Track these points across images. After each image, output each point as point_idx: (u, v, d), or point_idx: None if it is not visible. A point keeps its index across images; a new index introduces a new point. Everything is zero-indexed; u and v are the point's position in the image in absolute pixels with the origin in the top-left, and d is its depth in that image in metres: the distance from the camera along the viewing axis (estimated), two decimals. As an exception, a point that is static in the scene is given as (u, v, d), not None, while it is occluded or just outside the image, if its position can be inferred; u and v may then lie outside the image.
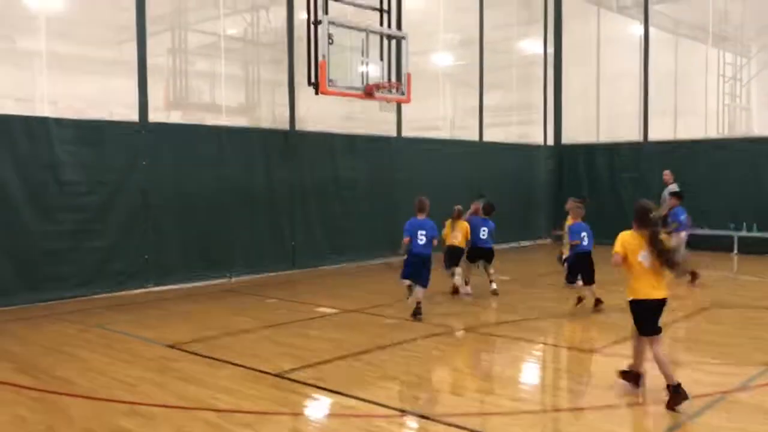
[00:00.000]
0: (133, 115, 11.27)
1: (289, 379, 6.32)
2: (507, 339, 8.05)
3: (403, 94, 12.23)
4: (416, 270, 8.86)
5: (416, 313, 8.79)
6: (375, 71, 11.93)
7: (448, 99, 17.66)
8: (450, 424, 5.09)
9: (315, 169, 13.76)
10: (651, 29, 18.04)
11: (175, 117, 12.56)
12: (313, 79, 11.22)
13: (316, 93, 11.29)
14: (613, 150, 18.40)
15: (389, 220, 13.47)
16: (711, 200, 16.09)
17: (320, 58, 10.99)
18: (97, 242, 10.78)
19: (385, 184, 14.81)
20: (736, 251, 15.83)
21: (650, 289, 5.53)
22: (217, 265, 12.27)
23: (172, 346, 7.56)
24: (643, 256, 5.52)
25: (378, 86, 11.72)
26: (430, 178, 14.97)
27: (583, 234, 9.55)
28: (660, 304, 5.58)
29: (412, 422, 5.29)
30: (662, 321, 5.61)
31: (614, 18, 19.35)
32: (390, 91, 12.06)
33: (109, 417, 5.31)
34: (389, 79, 12.15)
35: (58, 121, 10.35)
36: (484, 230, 10.60)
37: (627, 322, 5.95)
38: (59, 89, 10.78)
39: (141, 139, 11.23)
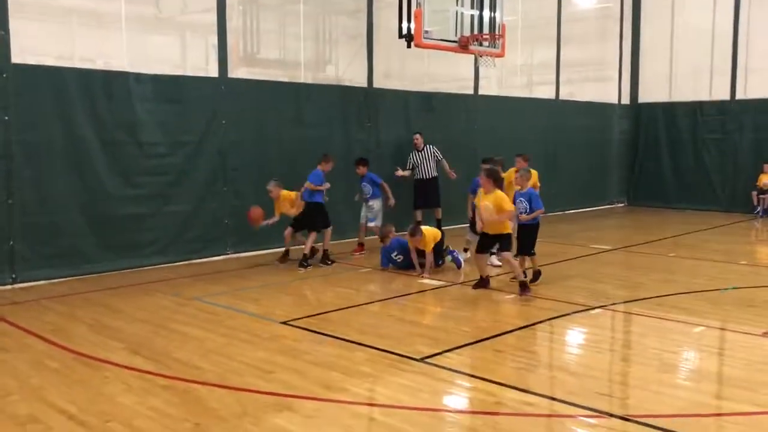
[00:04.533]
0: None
1: (436, 365, 5.63)
2: (649, 318, 7.27)
3: (496, 47, 11.27)
4: None
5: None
6: (467, 22, 10.96)
7: (521, 53, 16.54)
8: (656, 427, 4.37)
9: (391, 130, 12.94)
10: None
11: (242, 73, 11.73)
12: (404, 31, 10.33)
13: (408, 46, 10.37)
14: (694, 109, 17.21)
15: (466, 182, 12.60)
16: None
17: (415, 7, 10.08)
18: (177, 207, 10.14)
19: (461, 144, 13.92)
20: None
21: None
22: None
23: (286, 323, 6.91)
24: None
25: (474, 38, 10.77)
26: (506, 138, 14.11)
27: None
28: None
29: (613, 425, 4.50)
30: None
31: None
32: (482, 44, 11.10)
33: (259, 413, 4.64)
34: (481, 31, 11.18)
35: (137, 77, 9.59)
36: None
37: None
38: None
39: (220, 95, 10.46)
